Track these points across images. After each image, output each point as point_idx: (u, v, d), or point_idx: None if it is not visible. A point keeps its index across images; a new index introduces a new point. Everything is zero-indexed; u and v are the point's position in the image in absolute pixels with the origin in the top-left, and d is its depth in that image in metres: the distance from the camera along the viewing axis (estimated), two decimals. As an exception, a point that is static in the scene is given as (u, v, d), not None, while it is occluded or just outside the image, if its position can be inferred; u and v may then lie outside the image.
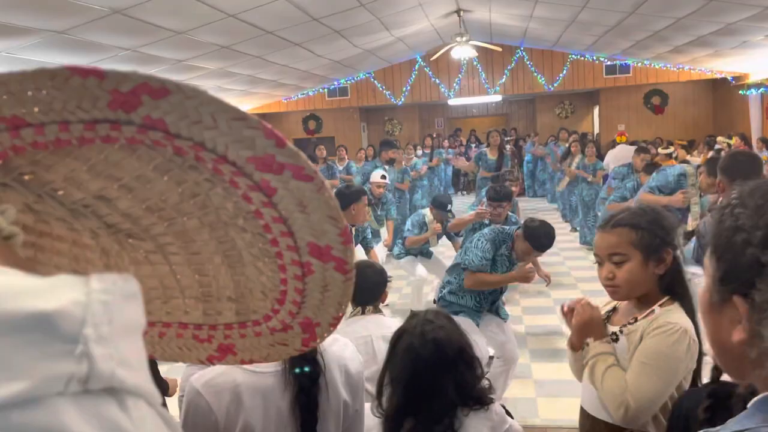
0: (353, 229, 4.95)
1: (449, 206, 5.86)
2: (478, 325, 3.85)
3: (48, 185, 0.48)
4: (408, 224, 5.98)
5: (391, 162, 7.35)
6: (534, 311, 6.04)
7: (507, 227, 4.05)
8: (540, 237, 3.69)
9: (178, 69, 8.05)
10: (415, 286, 6.02)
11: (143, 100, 0.43)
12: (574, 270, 7.44)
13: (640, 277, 1.64)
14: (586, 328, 1.73)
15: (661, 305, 1.66)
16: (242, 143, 0.46)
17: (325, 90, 13.62)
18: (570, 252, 8.47)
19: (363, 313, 2.69)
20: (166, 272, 0.56)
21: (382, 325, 2.60)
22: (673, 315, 1.63)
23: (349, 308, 2.86)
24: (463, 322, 3.15)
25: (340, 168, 10.04)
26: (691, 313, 1.64)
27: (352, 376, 1.61)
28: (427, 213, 6.03)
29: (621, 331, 1.69)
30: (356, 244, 5.34)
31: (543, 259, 7.56)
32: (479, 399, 1.56)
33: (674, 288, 1.67)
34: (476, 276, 3.78)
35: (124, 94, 0.42)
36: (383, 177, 6.48)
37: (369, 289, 2.67)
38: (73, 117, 0.43)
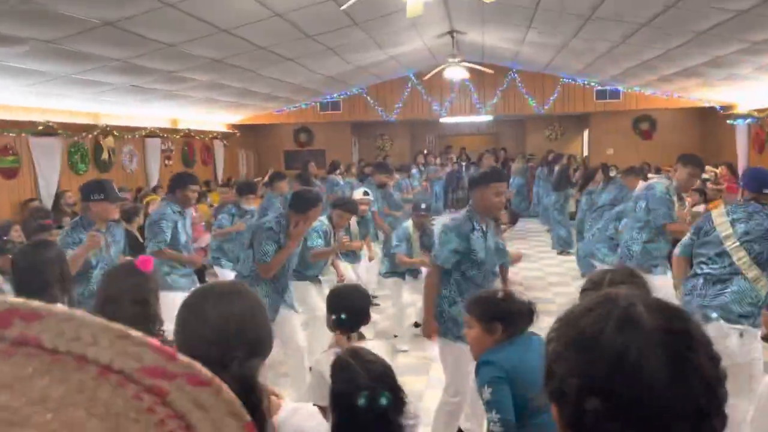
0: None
1: (423, 204, 5.97)
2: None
3: None
4: (393, 240, 5.96)
5: (382, 186, 7.27)
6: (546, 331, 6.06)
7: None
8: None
9: (168, 80, 8.02)
10: (398, 310, 6.00)
11: (14, 322, 0.43)
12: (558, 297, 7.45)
13: None
14: None
15: None
16: (128, 356, 0.46)
17: (318, 104, 13.63)
18: (555, 277, 8.48)
19: (349, 339, 2.63)
20: None
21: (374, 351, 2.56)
22: None
23: (330, 334, 2.80)
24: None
25: (341, 182, 9.70)
26: None
27: None
28: (410, 225, 6.03)
29: None
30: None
31: (528, 282, 7.59)
32: None
33: None
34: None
35: None
36: (366, 194, 6.43)
37: (356, 314, 2.64)
38: None
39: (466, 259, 3.55)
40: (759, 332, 3.48)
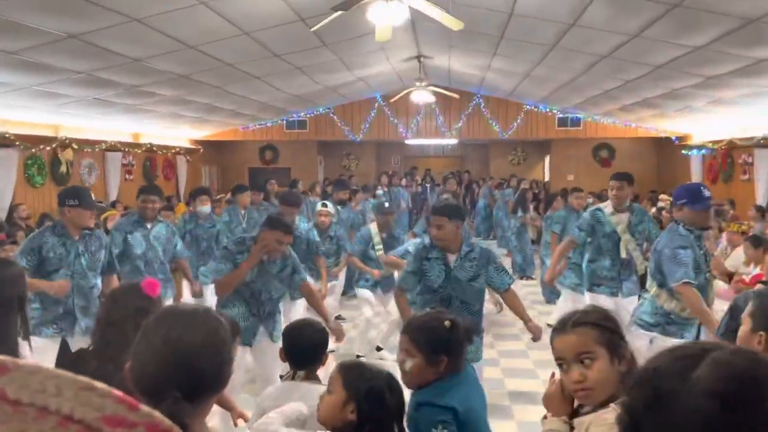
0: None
1: (386, 203, 5.92)
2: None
3: None
4: (354, 242, 5.98)
5: (342, 203, 7.25)
6: (508, 354, 6.15)
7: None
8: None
9: (132, 94, 7.91)
10: (360, 330, 5.97)
11: None
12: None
13: (610, 377, 1.59)
14: (548, 402, 1.73)
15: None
16: (90, 406, 0.48)
17: (284, 122, 13.61)
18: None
19: (293, 378, 2.48)
20: None
21: (307, 398, 2.28)
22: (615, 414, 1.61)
23: (286, 368, 2.65)
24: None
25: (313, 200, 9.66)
26: None
27: None
28: (373, 227, 6.02)
29: (574, 419, 1.66)
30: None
31: (489, 306, 7.65)
32: None
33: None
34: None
35: None
36: (324, 205, 6.39)
37: (305, 351, 2.50)
38: None
39: (422, 283, 3.71)
40: (673, 339, 3.61)
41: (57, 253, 4.08)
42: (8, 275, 2.49)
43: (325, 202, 6.62)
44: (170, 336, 1.23)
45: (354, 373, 1.90)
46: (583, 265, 5.31)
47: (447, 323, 2.13)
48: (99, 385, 0.47)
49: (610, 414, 1.59)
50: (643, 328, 3.79)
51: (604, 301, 4.74)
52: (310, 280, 5.35)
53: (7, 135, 8.15)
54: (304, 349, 2.50)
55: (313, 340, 2.51)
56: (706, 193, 3.64)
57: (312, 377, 2.49)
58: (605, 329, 1.62)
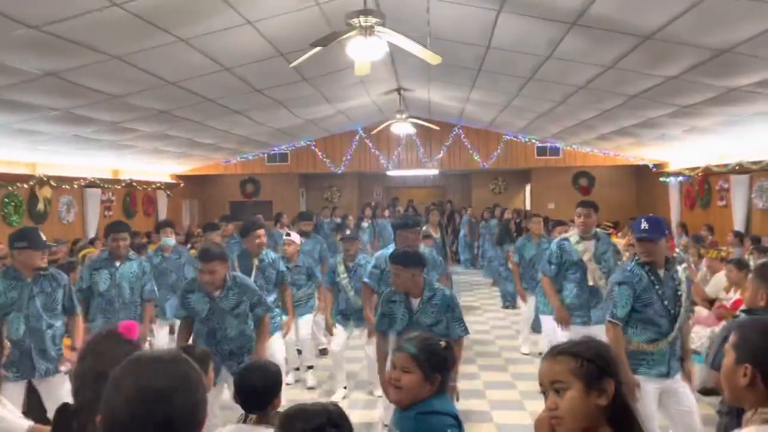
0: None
1: (347, 230, 5.84)
2: None
3: None
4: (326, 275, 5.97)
5: (305, 234, 7.15)
6: (495, 386, 6.09)
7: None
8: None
9: (112, 130, 7.87)
10: (334, 359, 5.86)
11: None
12: (505, 351, 7.48)
13: (581, 408, 1.59)
14: (537, 429, 1.73)
15: None
16: None
17: (265, 155, 13.61)
18: (500, 330, 8.54)
19: (245, 421, 2.42)
20: None
21: None
22: None
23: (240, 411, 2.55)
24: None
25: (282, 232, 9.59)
26: None
27: None
28: (338, 259, 5.97)
29: None
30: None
31: (474, 336, 7.61)
32: None
33: (621, 422, 1.60)
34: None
35: None
36: (287, 234, 6.34)
37: (255, 394, 2.43)
38: None
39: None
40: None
41: (8, 296, 4.09)
42: None
43: (289, 232, 6.59)
44: (140, 383, 1.20)
45: (290, 419, 1.83)
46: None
47: (443, 343, 2.31)
48: None
49: None
50: None
51: (578, 332, 4.73)
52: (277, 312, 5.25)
53: (-17, 173, 8.05)
54: (254, 393, 2.44)
55: (264, 384, 2.44)
56: (640, 224, 3.60)
57: (264, 421, 2.42)
58: (585, 360, 1.61)
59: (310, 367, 6.22)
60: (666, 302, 3.56)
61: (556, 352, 1.69)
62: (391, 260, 3.78)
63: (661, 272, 3.59)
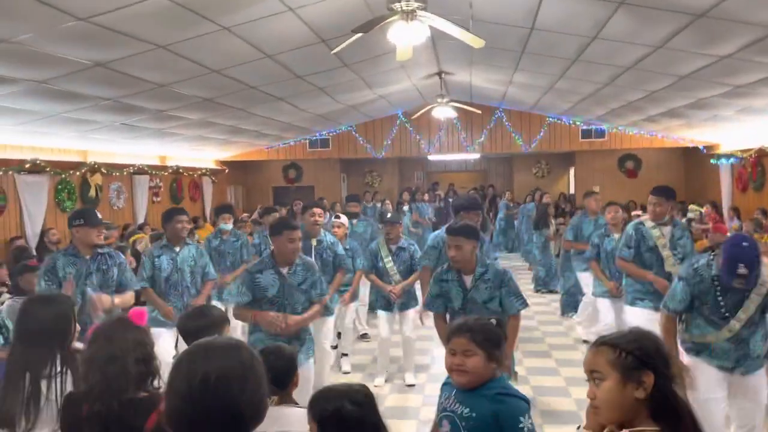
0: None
1: (388, 214, 5.83)
2: None
3: None
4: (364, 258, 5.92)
5: (354, 216, 7.18)
6: (538, 372, 6.05)
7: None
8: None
9: (158, 118, 8.04)
10: (381, 346, 5.88)
11: None
12: (548, 337, 7.41)
13: (617, 399, 1.59)
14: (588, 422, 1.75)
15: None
16: None
17: (307, 140, 13.71)
18: (543, 316, 8.46)
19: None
20: None
21: (281, 422, 2.33)
22: None
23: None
24: None
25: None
26: None
27: None
28: (379, 241, 5.96)
29: None
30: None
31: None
32: None
33: (664, 415, 1.58)
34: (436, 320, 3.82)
35: None
36: (337, 217, 6.38)
37: (272, 376, 2.50)
38: None
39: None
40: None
41: (66, 272, 4.25)
42: (59, 312, 2.48)
43: (338, 214, 6.64)
44: (205, 369, 1.19)
45: (316, 399, 1.95)
46: (623, 280, 5.20)
47: (494, 320, 2.38)
48: None
49: None
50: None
51: (648, 316, 4.61)
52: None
53: (38, 162, 8.34)
54: (272, 374, 2.51)
55: (278, 366, 2.47)
56: (736, 267, 3.20)
57: (286, 400, 2.49)
58: (625, 352, 1.60)
59: (345, 355, 6.28)
60: (723, 308, 3.37)
61: (599, 342, 1.69)
62: (454, 233, 3.67)
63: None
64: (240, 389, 1.19)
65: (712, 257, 3.41)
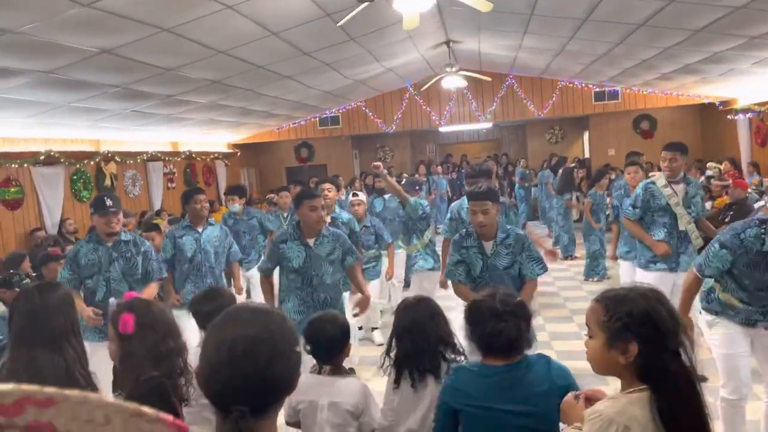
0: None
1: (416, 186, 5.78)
2: None
3: None
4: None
5: (380, 192, 7.19)
6: (561, 336, 6.06)
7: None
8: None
9: (169, 103, 8.04)
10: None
11: (27, 409, 0.44)
12: (569, 302, 7.40)
13: (603, 358, 1.62)
14: (564, 415, 1.79)
15: (626, 393, 1.58)
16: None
17: (317, 119, 13.66)
18: (564, 282, 8.43)
19: (319, 372, 2.51)
20: None
21: (335, 392, 2.39)
22: (607, 404, 1.56)
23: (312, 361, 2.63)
24: None
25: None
26: (668, 408, 1.50)
27: None
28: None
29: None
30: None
31: (538, 288, 7.55)
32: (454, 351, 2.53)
33: (653, 376, 1.55)
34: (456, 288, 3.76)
35: (5, 405, 0.44)
36: (354, 195, 6.33)
37: (326, 346, 2.50)
38: None
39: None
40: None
41: (89, 259, 4.26)
42: (56, 302, 2.38)
43: (356, 192, 6.61)
44: (238, 334, 1.17)
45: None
46: (637, 243, 5.12)
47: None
48: (148, 411, 0.47)
49: (600, 405, 1.58)
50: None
51: (664, 278, 4.55)
52: None
53: (52, 153, 8.40)
54: (325, 345, 2.50)
55: (334, 335, 2.50)
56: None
57: (338, 372, 2.51)
58: (614, 317, 1.58)
59: (375, 328, 6.35)
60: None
61: (598, 298, 1.68)
62: (479, 197, 3.58)
63: None
64: (269, 357, 1.17)
65: (763, 230, 3.09)
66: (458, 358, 2.51)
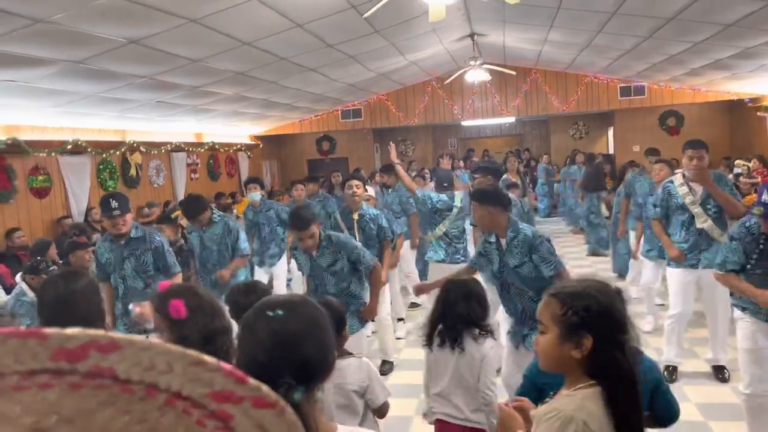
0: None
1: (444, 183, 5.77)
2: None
3: None
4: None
5: (389, 187, 7.16)
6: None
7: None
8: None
9: (194, 95, 8.10)
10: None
11: (91, 354, 0.44)
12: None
13: (554, 353, 1.59)
14: (503, 426, 1.75)
15: (577, 389, 1.55)
16: (199, 382, 0.47)
17: (339, 111, 13.67)
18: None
19: None
20: None
21: (338, 374, 2.40)
22: (564, 401, 1.53)
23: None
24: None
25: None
26: (617, 401, 1.50)
27: None
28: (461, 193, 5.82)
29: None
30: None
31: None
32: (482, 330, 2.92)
33: (602, 372, 1.54)
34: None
35: (70, 349, 0.43)
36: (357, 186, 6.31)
37: None
38: (8, 369, 0.44)
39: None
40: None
41: (106, 258, 4.37)
42: (81, 288, 2.40)
43: (365, 186, 6.58)
44: (273, 327, 1.22)
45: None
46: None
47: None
48: (208, 359, 0.47)
49: (556, 403, 1.55)
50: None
51: (687, 275, 4.61)
52: None
53: (79, 142, 8.52)
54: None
55: (332, 319, 2.57)
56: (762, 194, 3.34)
57: (340, 354, 2.53)
58: (570, 311, 1.56)
59: (401, 320, 6.36)
60: None
61: (551, 292, 1.64)
62: (472, 198, 3.86)
63: None
64: (307, 344, 1.21)
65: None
66: (484, 337, 2.93)
